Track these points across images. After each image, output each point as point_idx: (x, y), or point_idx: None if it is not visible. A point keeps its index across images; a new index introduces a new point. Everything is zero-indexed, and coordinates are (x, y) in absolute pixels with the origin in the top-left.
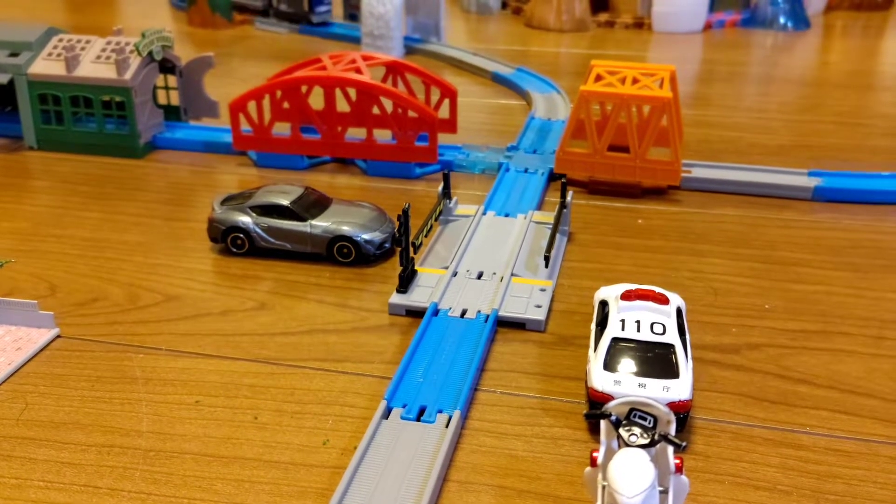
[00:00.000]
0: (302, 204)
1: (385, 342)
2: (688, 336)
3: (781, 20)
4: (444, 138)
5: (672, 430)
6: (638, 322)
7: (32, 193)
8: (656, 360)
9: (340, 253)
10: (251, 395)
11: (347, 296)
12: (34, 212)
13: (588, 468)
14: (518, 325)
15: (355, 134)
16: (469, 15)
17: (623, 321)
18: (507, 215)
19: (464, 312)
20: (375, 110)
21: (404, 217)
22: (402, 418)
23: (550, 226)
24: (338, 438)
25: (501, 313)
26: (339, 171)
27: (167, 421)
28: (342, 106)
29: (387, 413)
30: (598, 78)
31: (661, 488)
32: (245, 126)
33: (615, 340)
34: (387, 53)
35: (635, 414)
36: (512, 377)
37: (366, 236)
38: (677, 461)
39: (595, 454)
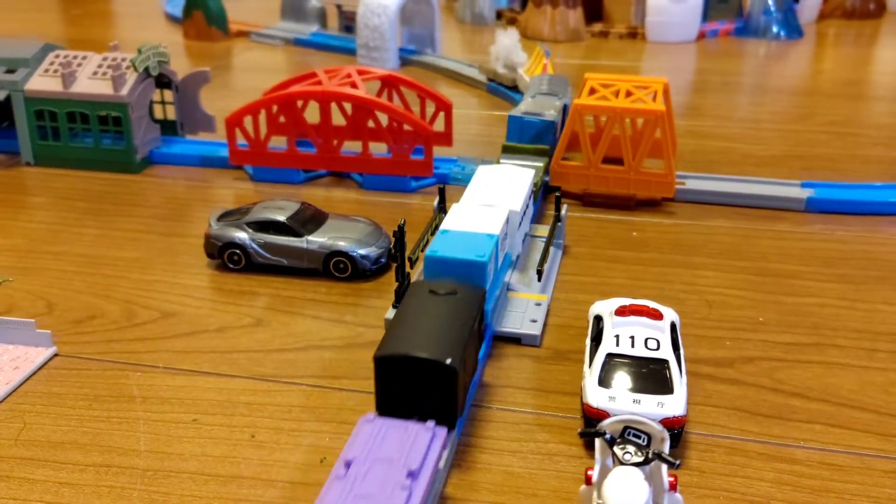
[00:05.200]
0: (298, 219)
1: None
2: (682, 351)
3: (774, 29)
4: (439, 151)
5: (666, 447)
6: (632, 337)
7: (29, 210)
8: (651, 376)
9: (337, 268)
10: (248, 413)
11: (344, 311)
12: (31, 228)
13: (583, 486)
14: (513, 339)
15: (351, 148)
16: (464, 26)
17: (617, 337)
18: None
19: None
20: (371, 124)
21: (399, 234)
22: None
23: (545, 239)
24: (335, 456)
25: (497, 328)
26: (334, 185)
27: (165, 440)
28: (338, 120)
29: None
30: (592, 91)
31: None
32: (241, 140)
33: (610, 356)
34: (382, 65)
35: (629, 432)
36: (507, 392)
37: (362, 251)
38: (671, 479)
39: (590, 472)
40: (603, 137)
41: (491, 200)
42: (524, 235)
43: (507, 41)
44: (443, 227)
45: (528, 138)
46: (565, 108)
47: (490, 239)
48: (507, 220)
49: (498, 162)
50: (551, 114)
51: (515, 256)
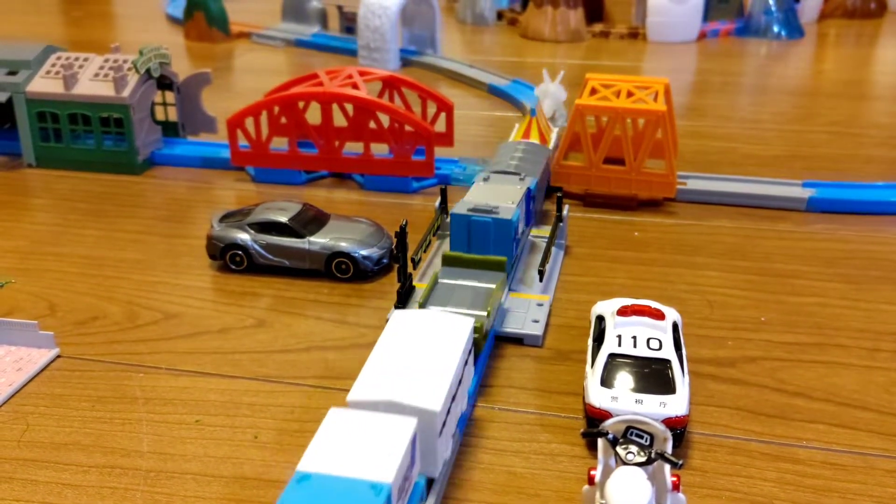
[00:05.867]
0: (300, 220)
1: None
2: (684, 351)
3: (775, 29)
4: (440, 152)
5: (669, 447)
6: (634, 338)
7: (31, 211)
8: (653, 376)
9: (339, 269)
10: (251, 414)
11: (346, 312)
12: (33, 230)
13: (586, 486)
14: (516, 340)
15: (352, 148)
16: (465, 26)
17: (619, 337)
18: None
19: None
20: (372, 125)
21: (401, 234)
22: None
23: (547, 239)
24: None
25: (499, 328)
26: (336, 186)
27: (168, 441)
28: (339, 121)
29: None
30: (593, 91)
31: None
32: (243, 141)
33: (612, 356)
34: (383, 66)
35: (632, 432)
36: (510, 393)
37: (364, 252)
38: (674, 479)
39: (593, 472)
40: (604, 138)
41: (395, 393)
42: (454, 434)
43: (544, 86)
44: (302, 464)
45: (479, 243)
46: (529, 193)
47: (375, 496)
48: (414, 439)
49: (435, 281)
50: (508, 208)
51: (442, 466)
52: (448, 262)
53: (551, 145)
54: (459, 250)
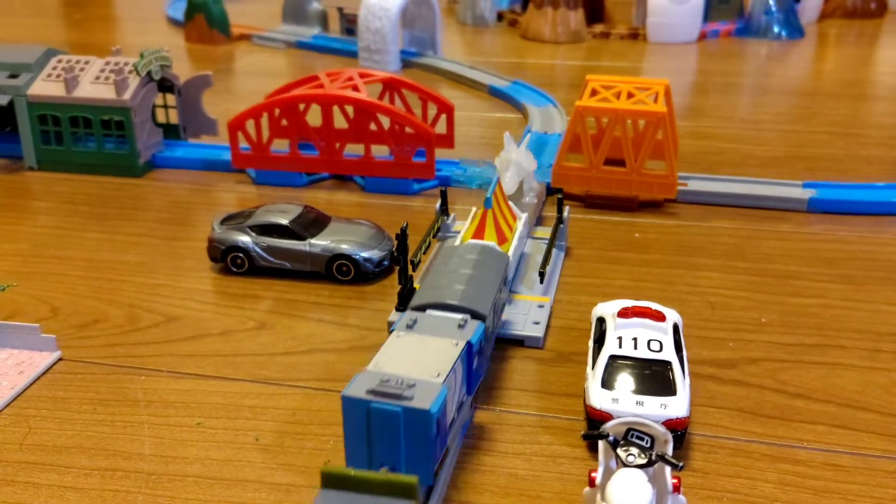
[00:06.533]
0: (301, 223)
1: None
2: (685, 352)
3: (775, 29)
4: (441, 153)
5: (669, 449)
6: (635, 339)
7: (33, 214)
8: (654, 378)
9: (339, 271)
10: (252, 417)
11: (347, 314)
12: (34, 233)
13: (587, 488)
14: (516, 341)
15: (353, 150)
16: (465, 28)
17: (620, 338)
18: None
19: None
20: (373, 127)
21: (402, 236)
22: None
23: (547, 241)
24: (339, 459)
25: (499, 330)
26: (337, 188)
27: (169, 443)
28: (340, 123)
29: None
30: (594, 92)
31: None
32: (244, 144)
33: (612, 358)
34: (384, 67)
35: (633, 434)
36: (511, 395)
37: (365, 254)
38: (675, 480)
39: (593, 474)
40: (604, 139)
41: None
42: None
43: (505, 154)
44: None
45: (384, 444)
46: (470, 350)
47: None
48: None
49: None
50: (430, 385)
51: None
52: (329, 481)
53: (513, 246)
54: (357, 455)
